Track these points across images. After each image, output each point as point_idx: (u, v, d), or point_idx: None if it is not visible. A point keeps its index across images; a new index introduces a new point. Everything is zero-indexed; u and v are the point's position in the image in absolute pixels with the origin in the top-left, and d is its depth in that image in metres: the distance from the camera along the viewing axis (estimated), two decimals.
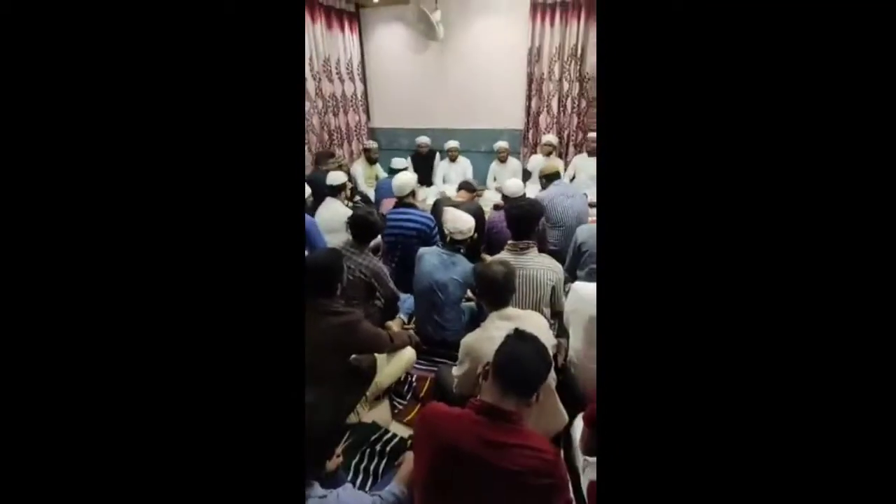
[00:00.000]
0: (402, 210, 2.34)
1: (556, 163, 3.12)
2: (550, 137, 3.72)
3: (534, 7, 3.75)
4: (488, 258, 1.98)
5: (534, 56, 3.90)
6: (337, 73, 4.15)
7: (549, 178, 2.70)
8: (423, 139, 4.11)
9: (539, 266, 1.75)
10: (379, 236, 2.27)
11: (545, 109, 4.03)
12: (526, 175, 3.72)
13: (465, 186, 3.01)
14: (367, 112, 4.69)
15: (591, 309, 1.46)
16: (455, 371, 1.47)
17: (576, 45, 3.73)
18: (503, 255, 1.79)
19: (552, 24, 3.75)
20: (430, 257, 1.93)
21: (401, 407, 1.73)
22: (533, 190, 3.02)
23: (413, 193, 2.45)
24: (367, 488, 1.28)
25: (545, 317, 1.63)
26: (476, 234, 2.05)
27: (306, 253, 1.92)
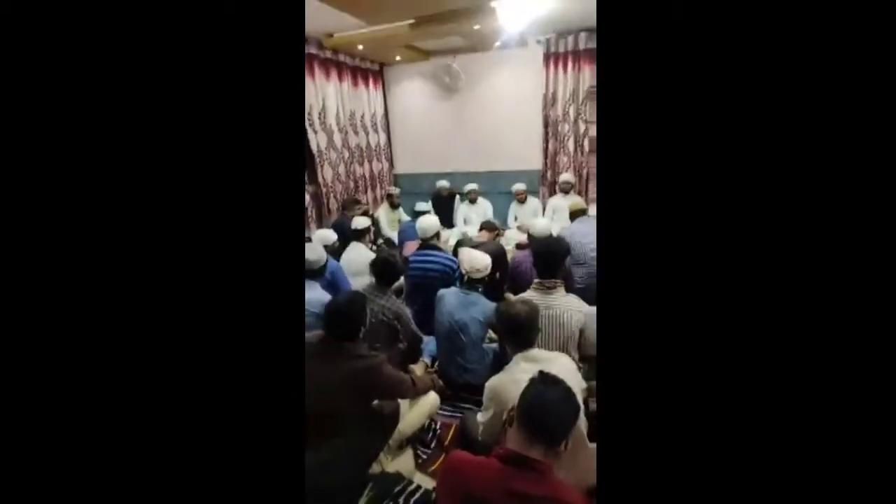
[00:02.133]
0: (425, 252, 2.37)
1: (578, 200, 3.14)
2: (567, 176, 3.81)
3: (547, 56, 3.93)
4: (512, 298, 1.95)
5: (549, 101, 4.03)
6: (362, 126, 4.40)
7: (573, 215, 2.71)
8: (444, 183, 4.25)
9: (565, 306, 1.70)
10: (402, 278, 2.29)
11: (562, 150, 4.12)
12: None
13: (486, 226, 3.04)
14: (390, 160, 4.91)
15: None
16: (480, 417, 1.41)
17: (589, 87, 3.84)
18: (529, 294, 1.76)
19: (565, 71, 3.90)
20: (449, 297, 1.92)
21: (425, 456, 1.65)
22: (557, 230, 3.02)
23: (437, 235, 2.48)
24: None
25: (573, 360, 1.57)
26: (498, 274, 2.04)
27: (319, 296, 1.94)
